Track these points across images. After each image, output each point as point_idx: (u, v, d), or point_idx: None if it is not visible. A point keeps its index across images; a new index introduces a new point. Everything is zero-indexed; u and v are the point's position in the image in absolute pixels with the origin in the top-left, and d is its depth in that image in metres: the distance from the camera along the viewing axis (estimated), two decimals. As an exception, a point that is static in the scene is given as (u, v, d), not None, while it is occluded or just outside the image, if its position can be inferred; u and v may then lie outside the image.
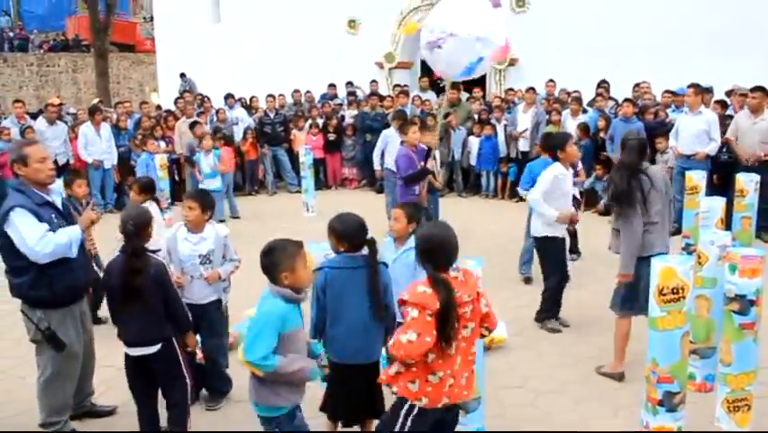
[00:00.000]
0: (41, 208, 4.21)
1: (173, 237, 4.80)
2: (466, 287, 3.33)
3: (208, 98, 15.09)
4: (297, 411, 3.58)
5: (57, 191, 4.53)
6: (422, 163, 7.75)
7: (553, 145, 6.18)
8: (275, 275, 3.44)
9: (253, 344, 3.34)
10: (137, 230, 4.13)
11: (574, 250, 8.24)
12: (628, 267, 5.05)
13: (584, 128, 11.14)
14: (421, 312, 3.16)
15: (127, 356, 4.22)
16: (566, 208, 6.14)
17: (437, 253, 3.30)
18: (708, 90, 10.67)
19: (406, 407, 3.33)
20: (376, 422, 3.85)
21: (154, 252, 4.30)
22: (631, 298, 5.14)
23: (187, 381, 4.28)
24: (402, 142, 7.97)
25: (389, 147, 9.58)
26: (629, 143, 5.12)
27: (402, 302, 3.26)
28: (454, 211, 10.04)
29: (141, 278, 4.03)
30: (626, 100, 10.69)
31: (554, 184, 6.04)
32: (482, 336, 3.61)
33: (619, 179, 5.05)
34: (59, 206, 4.41)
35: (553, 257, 6.23)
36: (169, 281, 4.22)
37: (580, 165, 7.97)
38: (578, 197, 7.52)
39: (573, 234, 8.11)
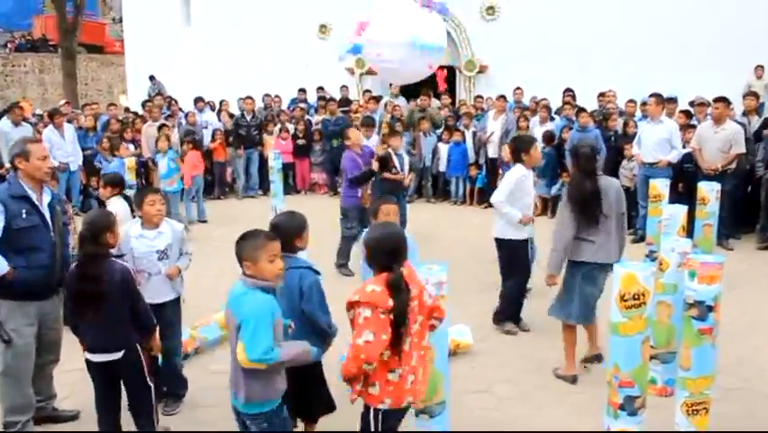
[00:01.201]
0: (15, 201, 4.30)
1: (126, 235, 4.69)
2: (413, 281, 3.37)
3: (176, 101, 14.97)
4: (283, 404, 3.58)
5: (50, 191, 4.62)
6: (367, 166, 8.02)
7: (518, 148, 6.30)
8: (240, 263, 3.45)
9: (253, 342, 3.30)
10: (92, 234, 4.06)
11: None
12: (552, 267, 5.32)
13: (549, 136, 11.31)
14: (374, 311, 3.19)
15: (89, 362, 4.16)
16: (528, 209, 6.28)
17: (388, 252, 3.34)
18: (672, 100, 10.86)
19: (371, 414, 3.34)
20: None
21: (119, 256, 4.26)
22: (567, 302, 5.30)
23: (151, 384, 4.25)
24: (347, 147, 8.20)
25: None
26: (581, 151, 5.31)
27: (353, 304, 3.28)
28: (422, 217, 10.09)
29: (96, 284, 3.96)
30: (582, 110, 10.92)
31: (518, 185, 6.16)
32: (432, 327, 3.63)
33: (574, 183, 5.34)
34: (42, 204, 4.44)
35: (516, 259, 6.33)
36: (134, 286, 4.17)
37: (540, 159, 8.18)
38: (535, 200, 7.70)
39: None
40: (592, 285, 5.31)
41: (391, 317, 3.20)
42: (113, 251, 4.22)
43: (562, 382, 5.39)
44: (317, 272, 4.08)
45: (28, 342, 4.41)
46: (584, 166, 5.30)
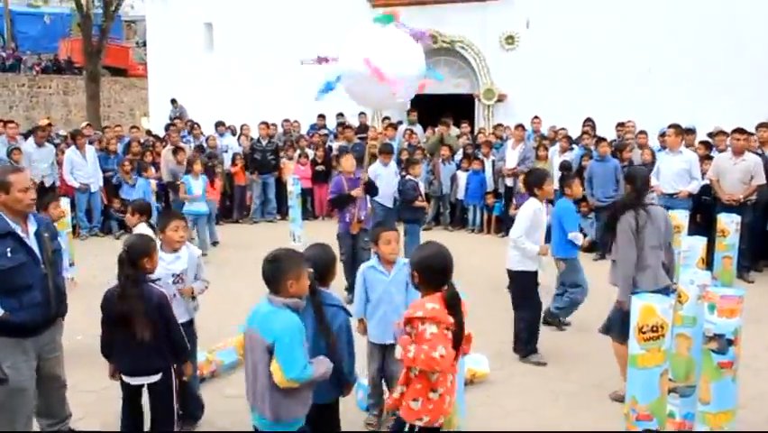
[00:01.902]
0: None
1: None
2: (464, 306, 3.44)
3: (198, 125, 15.15)
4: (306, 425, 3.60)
5: (36, 220, 4.33)
6: (354, 191, 7.90)
7: (531, 182, 6.35)
8: (280, 282, 3.44)
9: (291, 361, 3.31)
10: (130, 258, 4.13)
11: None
12: (624, 294, 5.24)
13: (566, 167, 11.30)
14: (439, 326, 3.26)
15: (127, 385, 4.23)
16: (540, 241, 6.30)
17: (441, 270, 3.44)
18: (691, 131, 10.85)
19: (406, 428, 3.37)
20: None
21: (155, 281, 4.30)
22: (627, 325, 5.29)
23: (176, 411, 4.31)
24: (339, 172, 8.34)
25: (378, 180, 9.63)
26: (638, 178, 5.47)
27: (417, 320, 3.31)
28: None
29: (134, 306, 4.02)
30: (602, 140, 10.89)
31: (533, 219, 6.19)
32: (465, 353, 3.70)
33: (614, 212, 5.43)
34: (28, 235, 4.20)
35: (526, 291, 6.36)
36: (171, 311, 4.23)
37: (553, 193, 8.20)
38: None
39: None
40: None
41: (450, 335, 3.27)
42: (150, 276, 4.26)
43: (581, 412, 5.34)
44: (349, 313, 4.03)
45: (25, 377, 4.19)
46: (634, 193, 5.40)
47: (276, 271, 3.46)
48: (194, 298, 4.96)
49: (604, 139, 11.00)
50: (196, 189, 10.58)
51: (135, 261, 4.14)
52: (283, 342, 3.33)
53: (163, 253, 4.81)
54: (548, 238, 6.70)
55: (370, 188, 8.09)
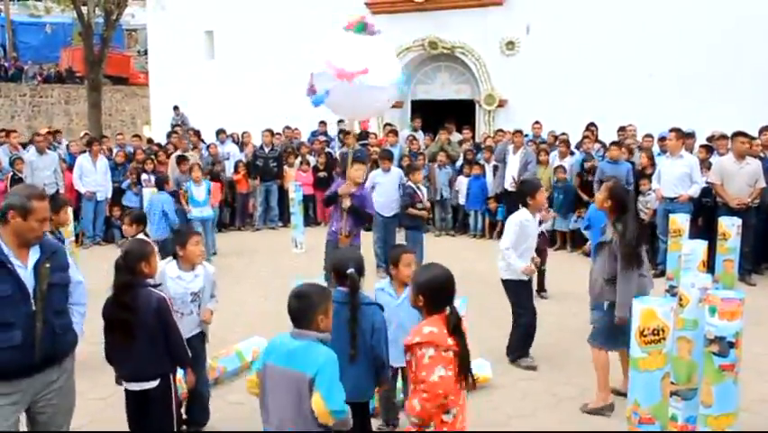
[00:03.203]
0: None
1: (162, 275, 4.74)
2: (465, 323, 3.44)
3: (198, 132, 15.20)
4: None
5: (42, 250, 3.72)
6: (343, 200, 7.44)
7: (523, 192, 6.34)
8: (311, 318, 3.38)
9: (334, 393, 3.26)
10: (126, 263, 4.14)
11: (541, 288, 8.47)
12: (626, 311, 5.15)
13: (562, 171, 11.41)
14: (437, 349, 3.24)
15: (127, 391, 4.24)
16: (529, 252, 6.27)
17: (446, 292, 3.42)
18: (691, 135, 10.87)
19: None
20: None
21: (156, 286, 4.30)
22: (617, 334, 5.30)
23: (174, 413, 4.29)
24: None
25: (378, 188, 9.65)
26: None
27: (414, 346, 3.31)
28: (441, 250, 10.10)
29: (130, 312, 4.02)
30: (614, 143, 10.87)
31: (522, 229, 6.17)
32: None
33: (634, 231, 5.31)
34: (26, 266, 3.63)
35: (521, 297, 6.37)
36: (171, 317, 4.21)
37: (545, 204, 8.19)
38: (545, 234, 7.94)
39: (542, 274, 8.39)
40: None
41: (449, 355, 3.26)
42: (150, 280, 4.27)
43: (582, 417, 5.35)
44: (383, 309, 4.19)
45: (8, 422, 3.59)
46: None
47: (307, 307, 3.40)
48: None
49: (615, 142, 10.98)
50: (198, 195, 10.63)
51: (133, 266, 4.14)
52: (326, 374, 3.28)
53: (182, 271, 4.83)
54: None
55: (355, 214, 7.58)
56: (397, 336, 4.65)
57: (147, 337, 4.07)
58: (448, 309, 3.39)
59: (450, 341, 3.27)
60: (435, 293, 3.41)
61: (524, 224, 6.19)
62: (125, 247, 4.33)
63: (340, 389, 3.30)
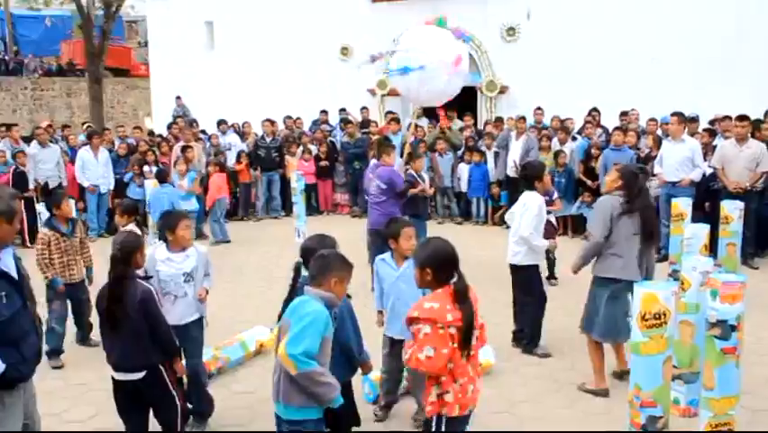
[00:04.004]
0: None
1: (151, 258, 4.76)
2: (474, 296, 3.46)
3: (196, 123, 15.16)
4: (323, 423, 3.59)
5: (8, 250, 3.46)
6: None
7: (531, 175, 6.36)
8: (325, 276, 3.52)
9: (299, 339, 3.32)
10: (122, 256, 4.17)
11: (552, 275, 8.49)
12: (576, 264, 5.56)
13: (563, 156, 11.46)
14: (433, 327, 3.27)
15: (113, 380, 4.25)
16: (542, 233, 6.41)
17: (449, 262, 3.44)
18: (694, 119, 10.83)
19: (443, 423, 3.38)
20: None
21: (145, 278, 4.33)
22: (591, 318, 5.37)
23: (178, 402, 4.31)
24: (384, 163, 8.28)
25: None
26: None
27: (413, 320, 3.34)
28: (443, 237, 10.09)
29: (122, 304, 4.06)
30: (617, 129, 10.83)
31: (540, 213, 6.25)
32: (483, 343, 3.73)
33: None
34: (9, 271, 3.38)
35: (534, 282, 6.41)
36: (156, 308, 4.22)
37: (556, 194, 8.34)
38: (554, 223, 7.99)
39: (552, 261, 8.43)
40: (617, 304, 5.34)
41: (450, 331, 3.27)
42: (139, 271, 4.30)
43: (585, 402, 5.37)
44: (349, 296, 4.12)
45: (20, 422, 3.49)
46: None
47: (325, 266, 3.56)
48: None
49: (619, 128, 10.93)
50: (182, 187, 10.72)
51: (128, 258, 4.19)
52: (301, 322, 3.35)
53: (172, 253, 4.84)
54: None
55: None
56: (398, 309, 4.67)
57: (131, 328, 4.10)
58: (455, 280, 3.40)
59: (450, 317, 3.27)
60: (441, 264, 3.43)
61: (541, 206, 6.28)
62: (119, 239, 4.34)
63: (309, 341, 3.31)
